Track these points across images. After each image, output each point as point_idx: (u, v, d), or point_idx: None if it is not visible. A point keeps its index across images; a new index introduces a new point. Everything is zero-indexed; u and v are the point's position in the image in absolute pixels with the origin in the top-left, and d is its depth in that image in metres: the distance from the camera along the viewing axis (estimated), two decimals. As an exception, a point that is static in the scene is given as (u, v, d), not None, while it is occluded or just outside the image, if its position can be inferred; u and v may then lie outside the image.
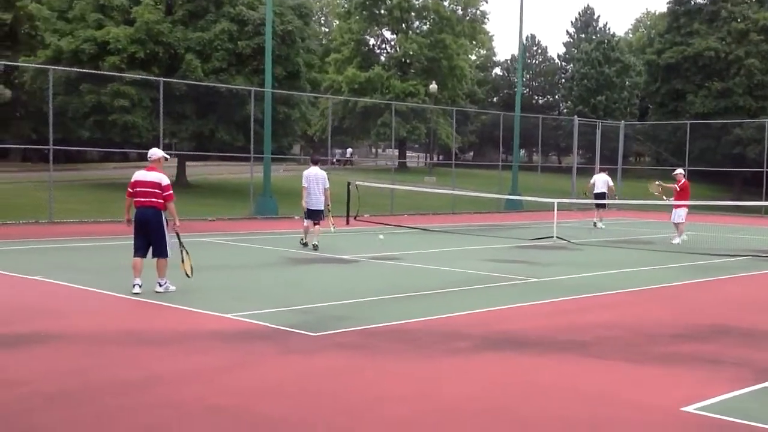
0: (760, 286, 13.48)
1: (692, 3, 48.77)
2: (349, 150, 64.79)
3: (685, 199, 20.45)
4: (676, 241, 20.11)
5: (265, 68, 25.74)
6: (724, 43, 45.25)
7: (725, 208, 32.06)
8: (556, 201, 21.00)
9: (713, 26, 46.36)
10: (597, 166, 38.89)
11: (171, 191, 10.59)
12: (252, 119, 26.33)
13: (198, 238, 17.81)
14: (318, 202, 16.72)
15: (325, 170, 17.47)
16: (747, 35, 44.82)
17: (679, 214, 20.40)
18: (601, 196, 24.81)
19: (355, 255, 15.80)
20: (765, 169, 33.63)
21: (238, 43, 30.43)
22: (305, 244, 16.83)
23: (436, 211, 30.16)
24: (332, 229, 18.10)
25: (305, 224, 16.96)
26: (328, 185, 16.87)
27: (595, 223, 24.87)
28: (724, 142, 42.40)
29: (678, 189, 20.58)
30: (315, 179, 16.74)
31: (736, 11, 45.67)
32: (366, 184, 26.52)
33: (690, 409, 6.06)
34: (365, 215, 24.76)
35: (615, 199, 26.35)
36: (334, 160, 63.25)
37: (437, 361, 7.43)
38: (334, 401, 6.08)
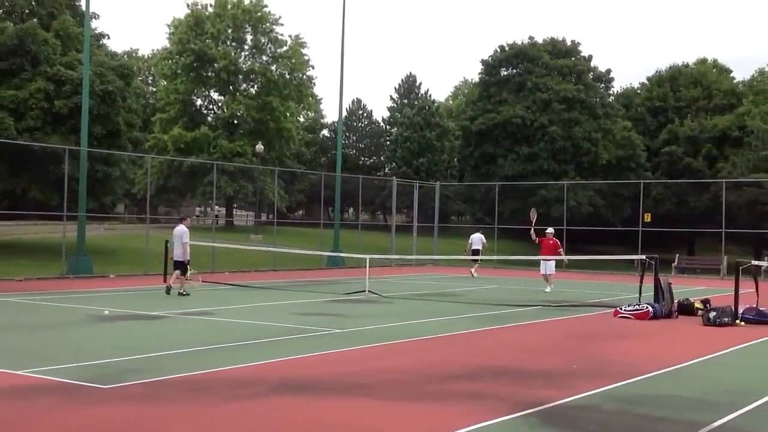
0: (541, 332, 14.81)
1: (501, 74, 52.62)
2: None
3: (552, 254, 23.17)
4: (548, 290, 22.84)
5: (82, 127, 25.46)
6: (530, 111, 49.00)
7: (532, 263, 34.49)
8: (368, 257, 21.98)
9: (520, 96, 50.20)
10: (415, 224, 40.78)
11: None
12: (66, 177, 25.73)
13: (2, 298, 17.21)
14: (177, 254, 19.54)
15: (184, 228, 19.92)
16: (550, 104, 48.85)
17: (550, 267, 23.32)
18: (476, 252, 29.45)
19: (166, 311, 15.86)
20: (565, 227, 36.59)
21: (55, 102, 29.80)
22: (180, 293, 19.02)
23: (258, 268, 30.41)
24: (200, 282, 21.48)
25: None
26: (186, 240, 19.53)
27: (472, 273, 28.81)
28: (531, 202, 45.58)
29: (551, 244, 23.44)
30: (175, 235, 19.68)
31: (540, 82, 49.69)
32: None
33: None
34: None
35: (486, 254, 30.83)
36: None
37: (217, 407, 7.80)
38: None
